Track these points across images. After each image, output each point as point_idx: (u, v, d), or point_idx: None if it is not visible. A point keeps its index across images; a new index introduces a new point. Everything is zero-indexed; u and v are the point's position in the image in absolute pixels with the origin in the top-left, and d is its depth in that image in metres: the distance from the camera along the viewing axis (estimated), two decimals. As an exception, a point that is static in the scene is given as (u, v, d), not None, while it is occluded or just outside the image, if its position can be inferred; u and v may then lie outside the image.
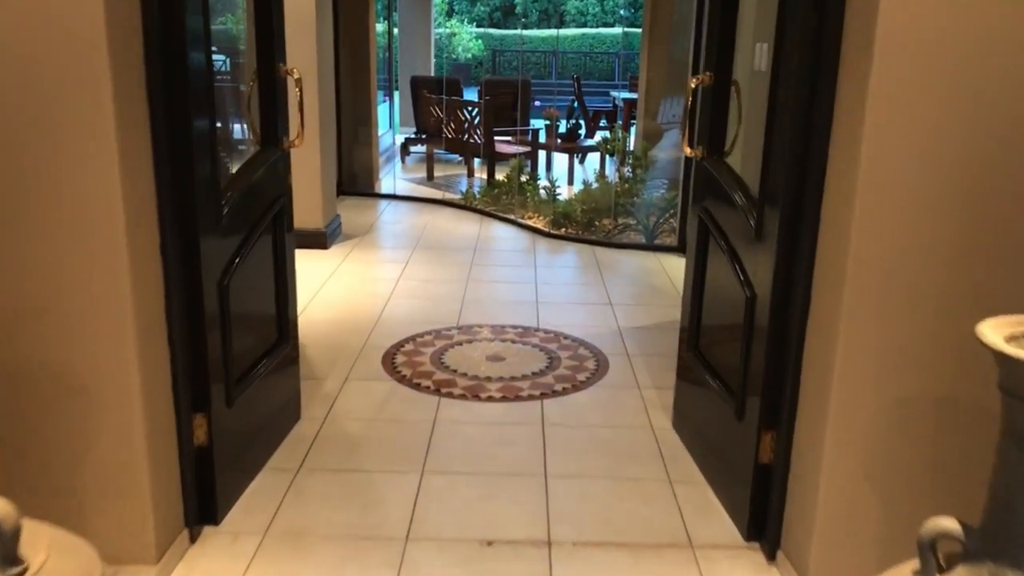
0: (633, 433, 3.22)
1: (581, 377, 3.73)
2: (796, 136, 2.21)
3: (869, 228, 2.01)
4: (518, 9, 30.37)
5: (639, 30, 26.33)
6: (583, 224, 6.64)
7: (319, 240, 5.75)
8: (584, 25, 29.69)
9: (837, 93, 2.10)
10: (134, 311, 2.15)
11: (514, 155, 8.13)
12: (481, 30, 24.73)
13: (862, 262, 2.03)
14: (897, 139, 1.96)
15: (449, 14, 27.04)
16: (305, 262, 5.37)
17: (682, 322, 3.21)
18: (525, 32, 26.22)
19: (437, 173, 9.02)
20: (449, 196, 7.91)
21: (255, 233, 2.75)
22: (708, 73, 2.90)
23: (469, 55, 21.68)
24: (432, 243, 6.06)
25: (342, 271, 5.27)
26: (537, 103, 22.38)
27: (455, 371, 3.75)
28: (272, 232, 2.93)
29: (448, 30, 21.38)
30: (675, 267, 5.57)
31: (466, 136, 8.30)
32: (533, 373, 3.75)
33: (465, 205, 7.34)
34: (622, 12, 32.07)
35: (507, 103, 9.86)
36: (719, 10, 2.82)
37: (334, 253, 5.68)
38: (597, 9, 30.97)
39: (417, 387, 3.59)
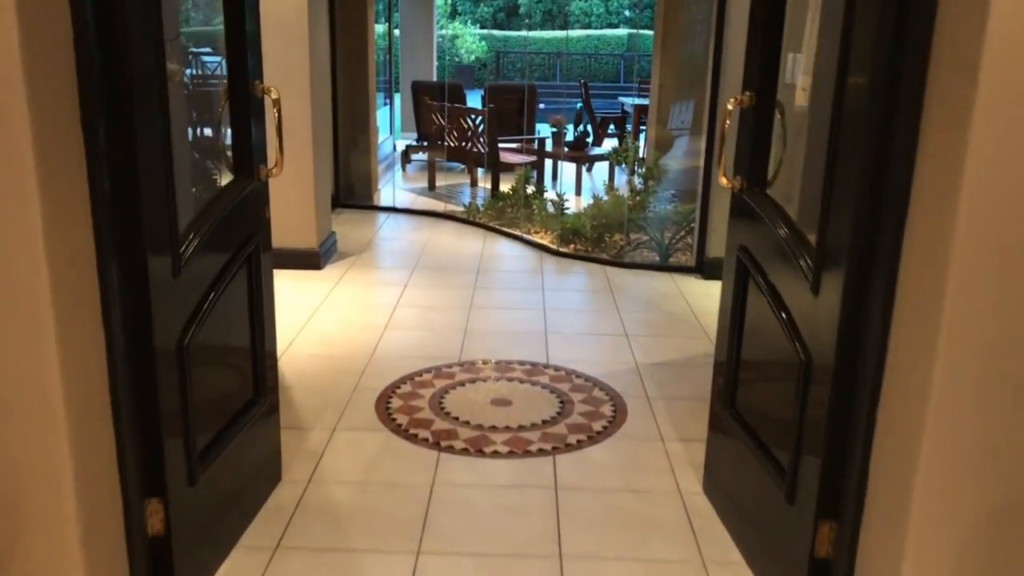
0: (659, 500, 2.82)
1: (597, 426, 3.34)
2: (865, 185, 1.82)
3: (969, 301, 1.61)
4: (522, 10, 29.99)
5: (645, 32, 25.94)
6: (592, 240, 6.25)
7: (312, 260, 5.36)
8: (588, 26, 29.29)
9: (921, 133, 1.71)
10: (64, 390, 1.76)
11: (519, 165, 7.74)
12: (485, 31, 24.34)
13: (959, 339, 1.64)
14: (1007, 192, 1.57)
15: (452, 15, 26.66)
16: (296, 285, 4.98)
17: (716, 374, 2.82)
18: (529, 33, 25.82)
19: (439, 182, 8.63)
20: (451, 208, 7.52)
21: (224, 279, 2.37)
22: (749, 93, 2.50)
23: (472, 57, 21.29)
24: (433, 263, 5.67)
25: (335, 297, 4.88)
26: (542, 105, 21.96)
27: (456, 419, 3.36)
28: (246, 275, 2.54)
29: (451, 32, 20.98)
30: (693, 290, 5.17)
31: (469, 145, 7.91)
32: (543, 421, 3.36)
33: (468, 220, 6.95)
34: (627, 13, 31.71)
35: (512, 109, 9.47)
36: (763, 21, 2.43)
37: (328, 274, 5.29)
38: (601, 10, 30.57)
39: (414, 439, 3.20)
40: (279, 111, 2.52)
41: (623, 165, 7.22)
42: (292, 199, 5.28)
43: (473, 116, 7.80)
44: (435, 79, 12.64)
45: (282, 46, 5.02)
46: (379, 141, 9.88)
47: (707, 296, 5.06)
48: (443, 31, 21.33)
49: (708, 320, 4.60)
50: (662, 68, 7.55)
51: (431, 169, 8.48)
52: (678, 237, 6.12)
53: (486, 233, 6.60)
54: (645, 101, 9.62)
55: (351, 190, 7.52)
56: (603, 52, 24.39)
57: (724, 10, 5.10)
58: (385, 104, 10.45)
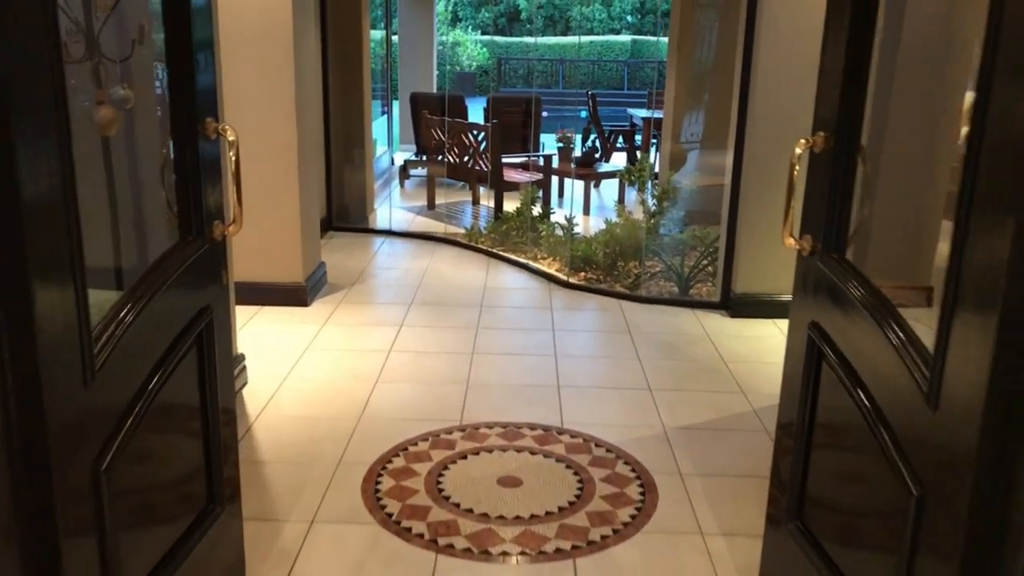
0: (704, 624, 2.31)
1: (623, 516, 2.82)
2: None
3: None
4: (523, 15, 29.51)
5: (649, 38, 25.35)
6: (605, 267, 5.74)
7: (298, 297, 4.86)
8: (590, 32, 28.80)
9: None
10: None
11: (525, 184, 7.23)
12: (487, 37, 23.85)
13: None
14: None
15: (454, 22, 26.18)
16: (279, 327, 4.47)
17: (774, 474, 2.31)
18: (531, 39, 25.33)
19: (439, 200, 8.13)
20: (452, 230, 7.02)
21: (165, 369, 1.86)
22: (823, 134, 1.99)
23: (474, 64, 20.80)
24: (432, 296, 5.16)
25: (323, 340, 4.37)
26: (545, 113, 21.52)
27: (457, 505, 2.85)
28: (196, 359, 2.03)
29: (452, 38, 20.50)
30: (719, 330, 4.66)
31: (471, 162, 7.40)
32: (560, 509, 2.85)
33: (470, 244, 6.44)
34: (629, 19, 31.23)
35: (516, 121, 8.97)
36: (846, 41, 1.92)
37: (315, 312, 4.78)
38: (603, 15, 30.09)
39: (407, 534, 2.68)
40: (237, 156, 2.01)
41: (636, 185, 6.70)
42: (276, 229, 4.77)
43: (475, 132, 7.30)
44: (435, 88, 12.15)
45: (264, 56, 4.52)
46: (376, 155, 9.39)
47: (736, 338, 4.55)
48: (444, 37, 20.85)
49: (740, 369, 4.09)
50: (678, 80, 7.05)
51: (430, 186, 7.98)
52: (699, 267, 5.61)
53: (489, 260, 6.09)
54: (657, 114, 9.13)
55: (344, 212, 7.02)
56: (607, 58, 23.89)
57: (754, 14, 4.60)
58: (383, 114, 9.95)
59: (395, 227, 7.07)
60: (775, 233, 4.77)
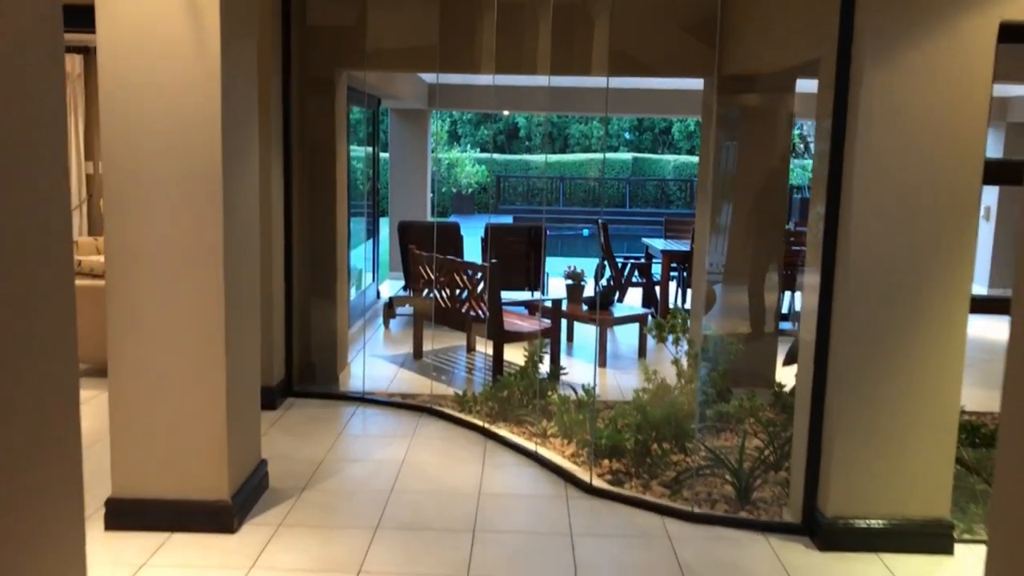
0: None
1: None
2: None
3: None
4: (522, 132, 29.09)
5: (650, 155, 24.64)
6: (636, 453, 4.35)
7: (221, 520, 3.43)
8: (588, 149, 28.30)
9: None
10: None
11: (529, 334, 5.91)
12: (485, 155, 23.13)
13: None
14: None
15: (453, 140, 25.60)
16: (187, 573, 3.02)
17: None
18: (530, 157, 24.68)
19: (428, 345, 6.79)
20: (441, 390, 5.64)
21: None
22: None
23: (473, 182, 19.90)
24: (407, 514, 3.72)
25: (239, 606, 2.92)
26: (547, 232, 20.01)
27: None
28: None
29: (447, 159, 19.63)
30: (806, 572, 3.22)
31: (466, 308, 6.10)
32: None
33: (461, 419, 5.04)
34: (627, 136, 30.85)
35: (519, 252, 7.74)
36: None
37: (242, 546, 3.34)
38: (601, 133, 29.69)
39: None
40: None
41: (668, 339, 5.36)
42: (191, 424, 3.39)
43: (471, 272, 6.02)
44: (429, 211, 11.02)
45: (183, 202, 3.25)
46: (361, 287, 8.11)
47: (841, 597, 3.11)
48: (441, 156, 20.02)
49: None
50: (714, 208, 5.80)
51: (417, 332, 6.65)
52: (762, 459, 4.20)
53: (486, 442, 4.68)
54: (679, 246, 7.89)
55: (310, 370, 5.65)
56: (608, 176, 23.11)
57: (843, 124, 3.37)
58: (368, 239, 8.73)
59: (373, 386, 5.69)
60: (890, 429, 3.38)
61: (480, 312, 5.98)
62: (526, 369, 5.25)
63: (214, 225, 3.27)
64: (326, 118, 5.55)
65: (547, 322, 6.20)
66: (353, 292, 8.13)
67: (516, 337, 5.88)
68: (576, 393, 5.04)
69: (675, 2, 5.45)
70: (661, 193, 22.83)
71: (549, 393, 5.26)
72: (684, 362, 5.05)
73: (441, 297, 6.30)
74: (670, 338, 5.21)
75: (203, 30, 3.18)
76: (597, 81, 8.96)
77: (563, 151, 28.01)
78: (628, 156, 24.23)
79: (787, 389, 5.31)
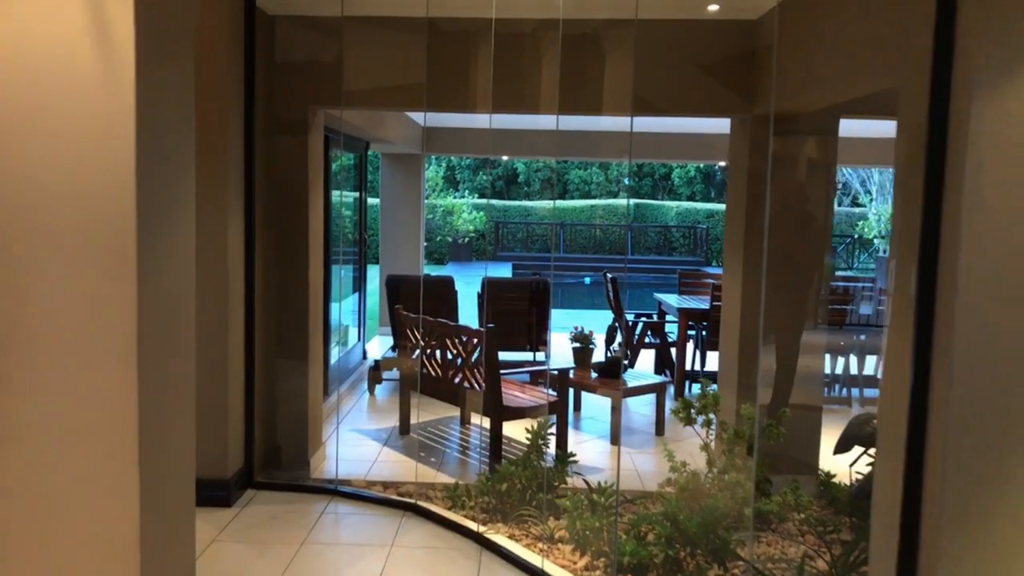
0: None
1: None
2: None
3: None
4: (520, 178, 28.53)
5: (651, 201, 23.99)
6: (663, 568, 3.51)
7: None
8: (588, 195, 27.70)
9: None
10: None
11: (532, 409, 5.08)
12: (483, 201, 22.48)
13: None
14: None
15: (452, 185, 24.99)
16: None
17: None
18: (529, 203, 24.05)
19: (417, 417, 5.96)
20: (429, 476, 4.80)
21: None
22: None
23: (471, 228, 19.20)
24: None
25: None
26: (537, 276, 19.17)
27: None
28: None
29: (443, 206, 18.94)
30: None
31: (459, 378, 5.28)
32: None
33: (451, 520, 4.18)
34: (626, 181, 30.27)
35: (519, 310, 6.95)
36: None
37: None
38: (600, 179, 29.14)
39: None
40: None
41: (700, 421, 4.52)
42: (87, 561, 2.55)
43: (465, 337, 5.21)
44: (422, 262, 10.25)
45: (82, 273, 2.45)
46: (346, 348, 7.30)
47: None
48: (437, 202, 19.34)
49: None
50: (746, 264, 4.99)
51: (404, 402, 5.81)
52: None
53: (480, 554, 3.82)
54: (690, 302, 7.10)
55: (275, 455, 4.82)
56: (609, 223, 22.45)
57: (942, 163, 2.60)
58: (355, 291, 7.94)
59: (351, 470, 4.85)
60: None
61: (475, 383, 5.16)
62: (529, 457, 4.41)
63: (124, 299, 2.46)
64: (298, 161, 4.80)
65: (553, 394, 5.38)
66: (336, 352, 7.32)
67: (517, 414, 5.05)
68: (590, 488, 4.20)
69: (700, 35, 4.74)
70: (664, 240, 22.14)
71: (556, 483, 4.43)
72: (707, 436, 4.23)
73: (431, 365, 5.48)
74: (699, 419, 4.38)
75: (112, 48, 2.41)
76: (606, 123, 8.29)
77: (562, 197, 27.41)
78: (629, 202, 23.56)
79: (838, 479, 4.49)
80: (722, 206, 22.81)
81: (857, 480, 4.24)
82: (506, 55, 4.67)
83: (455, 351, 5.27)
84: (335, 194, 7.33)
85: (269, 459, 4.77)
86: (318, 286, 5.08)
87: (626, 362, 5.99)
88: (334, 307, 7.30)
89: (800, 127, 4.72)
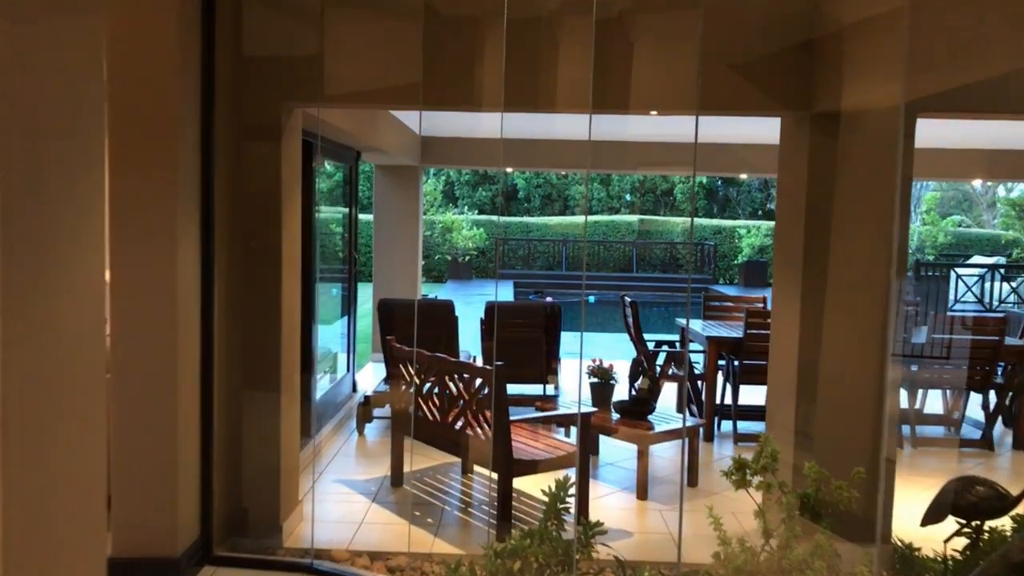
0: None
1: None
2: None
3: None
4: (520, 194, 27.77)
5: (657, 217, 23.20)
6: None
7: None
8: (589, 211, 26.91)
9: None
10: None
11: (547, 462, 4.26)
12: (484, 217, 21.69)
13: None
14: None
15: (451, 201, 24.25)
16: None
17: None
18: (531, 219, 23.27)
19: (413, 465, 5.14)
20: (424, 542, 3.97)
21: None
22: None
23: (471, 245, 18.40)
24: None
25: None
26: (548, 299, 18.37)
27: None
28: None
29: (442, 222, 18.13)
30: None
31: (460, 423, 4.46)
32: None
33: (453, 608, 3.36)
34: (628, 197, 29.52)
35: (529, 338, 6.15)
36: None
37: None
38: (602, 195, 28.39)
39: None
40: None
41: (753, 482, 3.68)
42: None
43: (467, 376, 4.40)
44: (419, 281, 9.45)
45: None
46: (335, 379, 6.48)
47: None
48: (435, 218, 18.54)
49: None
50: (806, 277, 4.15)
51: (397, 448, 4.98)
52: None
53: (490, 661, 3.00)
54: (724, 330, 6.29)
55: (239, 519, 3.99)
56: (612, 239, 21.67)
57: None
58: (344, 315, 7.12)
59: (331, 536, 4.03)
60: None
61: (479, 430, 4.34)
62: (547, 528, 3.58)
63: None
64: (270, 169, 4.00)
65: (571, 443, 4.55)
66: (327, 382, 6.50)
67: (530, 468, 4.22)
68: (623, 567, 3.37)
69: (751, 22, 3.97)
70: (670, 257, 21.35)
71: (579, 554, 3.60)
72: (755, 494, 3.40)
73: (427, 407, 4.66)
74: (755, 479, 3.55)
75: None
76: (633, 130, 7.47)
77: (562, 213, 26.66)
78: (634, 218, 22.81)
79: (923, 552, 3.67)
80: (729, 222, 22.02)
81: (952, 557, 3.43)
82: (520, 43, 3.88)
83: (456, 392, 4.45)
84: (326, 208, 6.54)
85: (233, 525, 3.95)
86: (294, 310, 4.27)
87: (654, 404, 5.16)
88: (322, 331, 6.50)
89: (869, 126, 3.93)
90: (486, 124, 7.88)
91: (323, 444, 5.68)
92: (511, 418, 4.21)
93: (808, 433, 4.27)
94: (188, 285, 3.55)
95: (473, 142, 8.61)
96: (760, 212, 26.56)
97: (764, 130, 5.10)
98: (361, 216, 7.86)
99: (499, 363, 4.15)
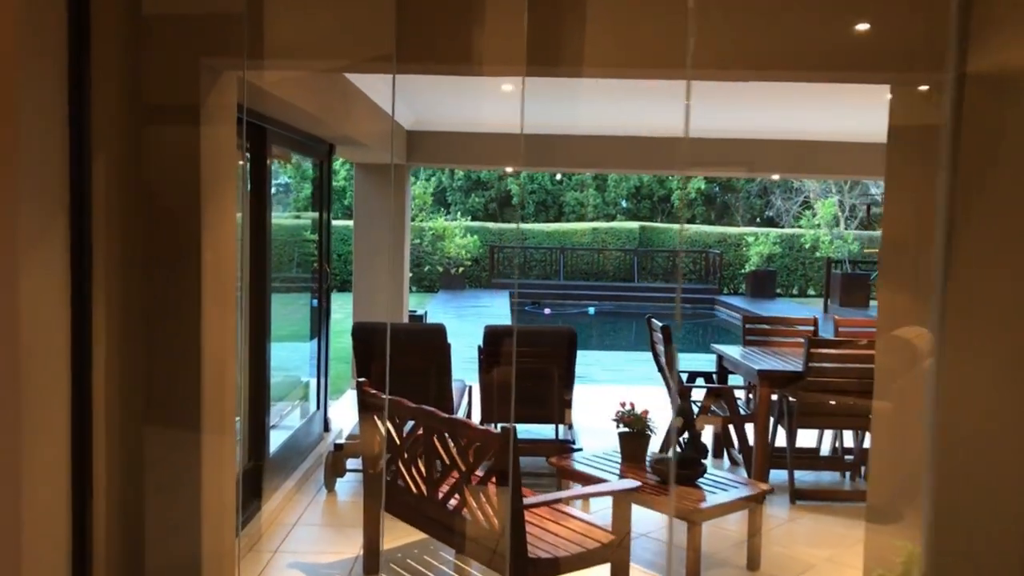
0: None
1: None
2: None
3: None
4: (514, 200, 26.58)
5: (658, 224, 22.01)
6: None
7: None
8: (583, 218, 25.75)
9: None
10: None
11: (580, 560, 3.05)
12: (477, 224, 20.47)
13: None
14: None
15: (444, 206, 23.04)
16: None
17: None
18: (526, 226, 22.09)
19: (390, 540, 3.92)
20: None
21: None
22: None
23: (464, 254, 17.18)
24: None
25: None
26: (547, 311, 17.12)
27: None
28: None
29: (433, 229, 16.89)
30: None
31: (452, 498, 3.24)
32: None
33: None
34: (623, 204, 28.39)
35: (541, 372, 4.92)
36: None
37: None
38: (598, 201, 27.24)
39: None
40: None
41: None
42: None
43: (465, 440, 3.17)
44: (407, 296, 8.24)
45: None
46: (307, 415, 5.25)
47: None
48: (424, 223, 17.29)
49: None
50: (947, 296, 2.98)
51: (371, 520, 3.75)
52: None
53: None
54: (774, 362, 5.09)
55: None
56: (612, 247, 20.49)
57: None
58: (313, 338, 5.88)
59: None
60: None
61: (482, 514, 3.12)
62: None
63: None
64: (184, 155, 2.79)
65: (603, 527, 3.33)
66: (292, 421, 5.28)
67: (552, 569, 3.00)
68: None
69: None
70: (672, 266, 20.17)
71: None
72: None
73: (408, 475, 3.44)
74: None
75: None
76: (660, 125, 6.19)
77: (557, 220, 25.49)
78: (635, 225, 21.63)
79: None
80: (731, 230, 20.84)
81: None
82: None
83: (448, 459, 3.23)
84: (292, 213, 5.34)
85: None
86: (223, 335, 3.04)
87: (704, 466, 3.94)
88: (288, 356, 5.30)
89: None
90: (487, 114, 6.69)
91: (281, 507, 4.46)
92: (524, 500, 3.00)
93: (937, 510, 3.06)
94: (46, 313, 2.33)
95: (471, 137, 7.41)
96: (759, 220, 25.44)
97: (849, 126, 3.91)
98: (347, 222, 6.65)
99: (512, 425, 2.94)
